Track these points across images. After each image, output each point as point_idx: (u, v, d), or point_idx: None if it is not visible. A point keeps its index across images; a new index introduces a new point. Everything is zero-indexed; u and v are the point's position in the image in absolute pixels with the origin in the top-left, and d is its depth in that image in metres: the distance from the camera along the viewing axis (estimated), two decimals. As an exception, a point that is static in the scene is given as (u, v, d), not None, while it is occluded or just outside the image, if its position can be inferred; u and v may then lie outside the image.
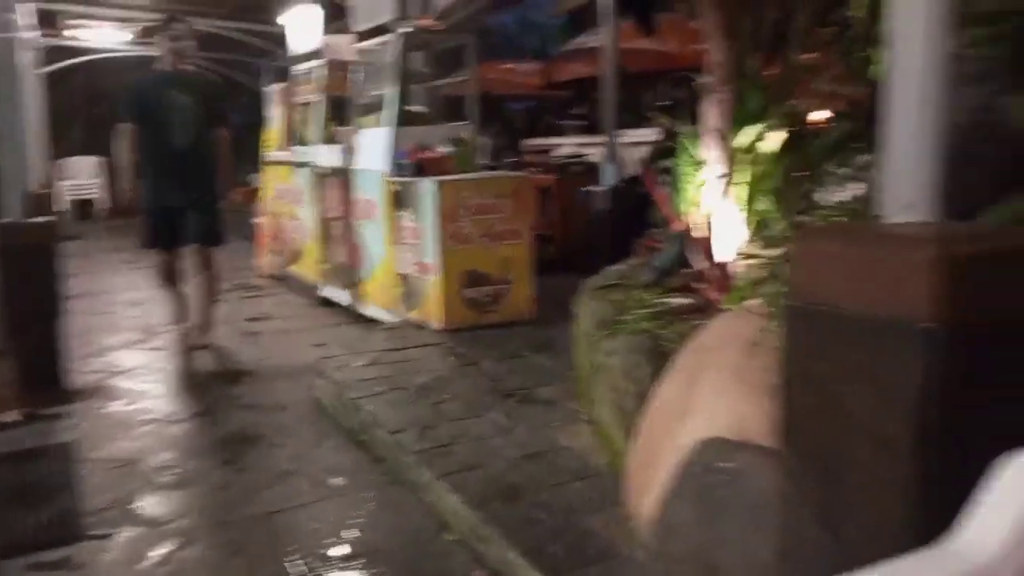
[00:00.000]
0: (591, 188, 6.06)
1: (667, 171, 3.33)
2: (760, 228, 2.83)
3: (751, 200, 2.86)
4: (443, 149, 5.06)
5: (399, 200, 4.84)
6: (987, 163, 2.00)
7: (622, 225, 4.74)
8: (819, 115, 2.94)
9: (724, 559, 1.77)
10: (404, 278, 4.86)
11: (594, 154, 6.71)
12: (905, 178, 1.72)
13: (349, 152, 5.43)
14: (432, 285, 4.58)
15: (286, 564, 2.43)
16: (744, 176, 2.86)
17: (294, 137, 6.58)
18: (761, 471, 1.71)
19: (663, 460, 2.19)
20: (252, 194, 7.79)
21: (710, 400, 2.10)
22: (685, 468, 1.98)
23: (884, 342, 1.28)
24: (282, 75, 7.15)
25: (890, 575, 0.97)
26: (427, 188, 4.59)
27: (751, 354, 1.98)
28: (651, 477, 2.23)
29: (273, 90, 7.19)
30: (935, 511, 1.16)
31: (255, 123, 7.76)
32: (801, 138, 2.79)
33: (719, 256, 2.93)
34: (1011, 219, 1.83)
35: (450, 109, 6.72)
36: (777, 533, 1.50)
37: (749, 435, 1.88)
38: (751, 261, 2.69)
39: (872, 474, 1.31)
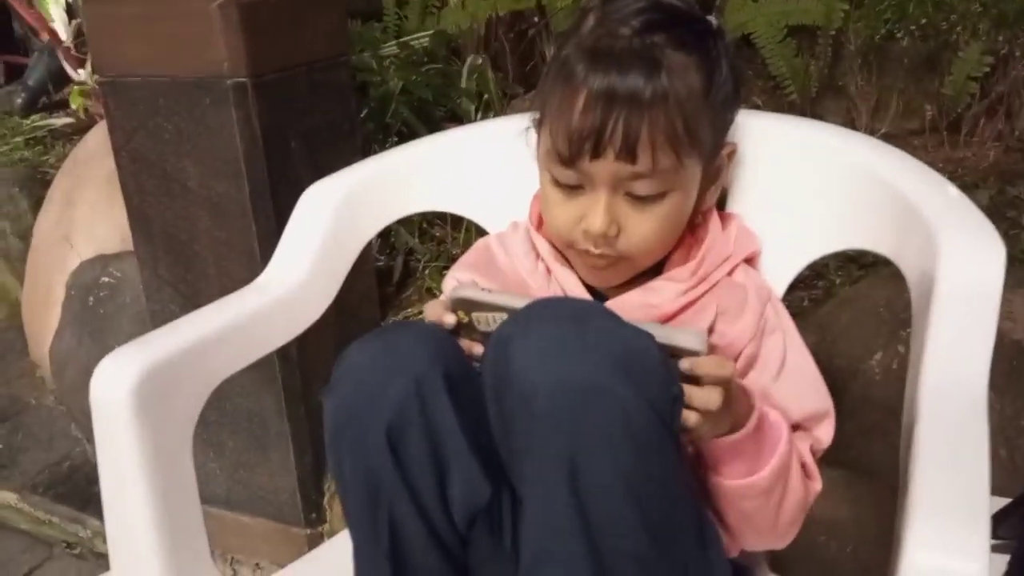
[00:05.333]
0: None
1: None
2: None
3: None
4: None
5: None
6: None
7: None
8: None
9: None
10: None
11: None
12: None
13: None
14: None
15: None
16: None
17: None
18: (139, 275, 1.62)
19: (55, 295, 1.97)
20: None
21: (89, 217, 1.91)
22: (69, 294, 1.80)
23: (199, 105, 1.23)
24: None
25: (196, 321, 0.95)
26: None
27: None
28: (47, 316, 2.00)
29: None
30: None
31: None
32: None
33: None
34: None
35: None
36: (150, 320, 1.44)
37: (130, 244, 1.76)
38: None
39: (215, 240, 1.30)
